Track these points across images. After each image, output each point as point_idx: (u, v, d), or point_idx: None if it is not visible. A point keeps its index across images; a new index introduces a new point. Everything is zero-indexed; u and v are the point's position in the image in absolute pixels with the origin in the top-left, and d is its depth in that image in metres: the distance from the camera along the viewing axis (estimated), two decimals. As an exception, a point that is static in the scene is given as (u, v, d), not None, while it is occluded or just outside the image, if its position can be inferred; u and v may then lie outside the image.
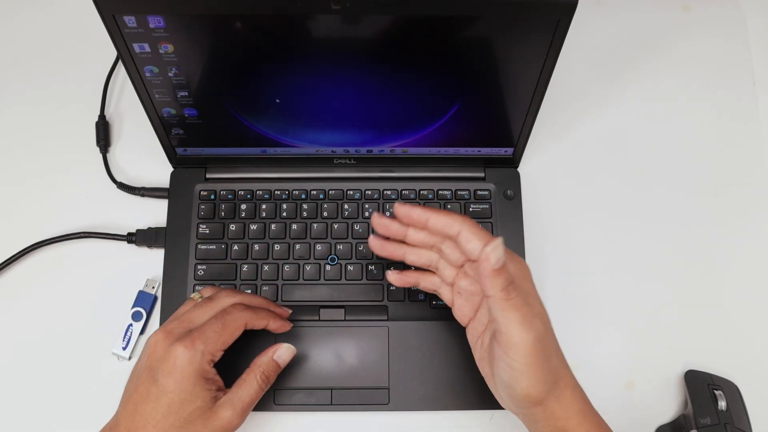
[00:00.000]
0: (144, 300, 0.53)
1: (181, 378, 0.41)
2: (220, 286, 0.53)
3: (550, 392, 0.39)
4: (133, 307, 0.53)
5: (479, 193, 0.56)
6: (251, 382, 0.44)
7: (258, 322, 0.46)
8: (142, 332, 0.53)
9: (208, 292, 0.48)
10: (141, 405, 0.41)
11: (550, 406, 0.40)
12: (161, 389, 0.41)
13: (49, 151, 0.59)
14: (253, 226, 0.55)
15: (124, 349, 0.52)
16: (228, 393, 0.44)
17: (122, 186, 0.57)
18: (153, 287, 0.54)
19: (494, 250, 0.37)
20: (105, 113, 0.60)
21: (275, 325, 0.48)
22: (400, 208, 0.43)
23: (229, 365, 0.45)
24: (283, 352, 0.47)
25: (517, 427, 0.45)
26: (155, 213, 0.57)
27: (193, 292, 0.53)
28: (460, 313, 0.45)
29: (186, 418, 0.41)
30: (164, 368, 0.41)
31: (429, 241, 0.44)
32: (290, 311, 0.51)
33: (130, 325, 0.53)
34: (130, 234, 0.55)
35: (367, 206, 0.56)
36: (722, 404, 0.49)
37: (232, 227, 0.55)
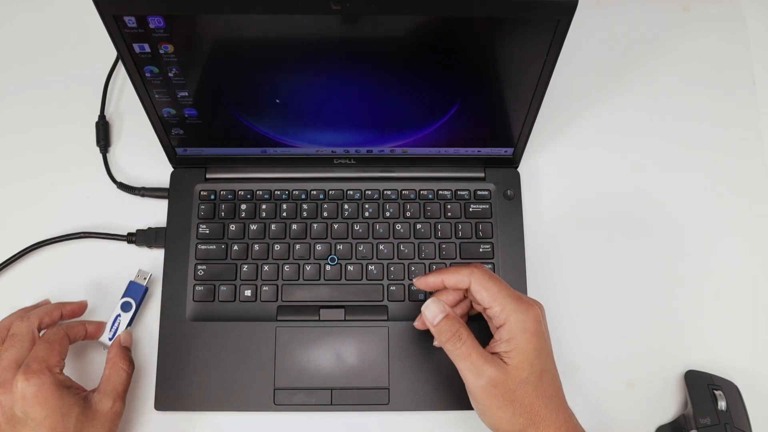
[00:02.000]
0: (134, 291, 0.52)
1: (44, 401, 0.42)
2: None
3: (522, 431, 0.41)
4: (123, 297, 0.52)
5: (479, 193, 0.56)
6: (116, 373, 0.47)
7: (76, 331, 0.48)
8: (129, 323, 0.52)
9: (9, 331, 0.46)
10: None
11: None
12: (33, 425, 0.42)
13: (49, 151, 0.59)
14: (253, 226, 0.55)
15: (110, 339, 0.51)
16: (99, 389, 0.46)
17: (122, 186, 0.57)
18: (144, 278, 0.53)
19: (425, 310, 0.44)
20: (105, 113, 0.60)
21: (92, 328, 0.49)
22: (418, 283, 0.47)
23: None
24: (125, 338, 0.50)
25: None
26: (155, 213, 0.57)
27: (193, 291, 0.53)
28: None
29: (74, 428, 0.42)
30: (21, 406, 0.42)
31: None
32: (85, 302, 0.51)
33: (119, 315, 0.52)
34: (130, 234, 0.55)
35: (367, 206, 0.56)
36: (722, 404, 0.49)
37: (232, 227, 0.55)
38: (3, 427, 0.43)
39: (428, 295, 0.53)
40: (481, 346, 0.43)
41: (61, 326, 0.47)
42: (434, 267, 0.54)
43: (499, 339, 0.42)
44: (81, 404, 0.44)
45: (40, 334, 0.47)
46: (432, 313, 0.44)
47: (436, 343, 0.47)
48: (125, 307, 0.52)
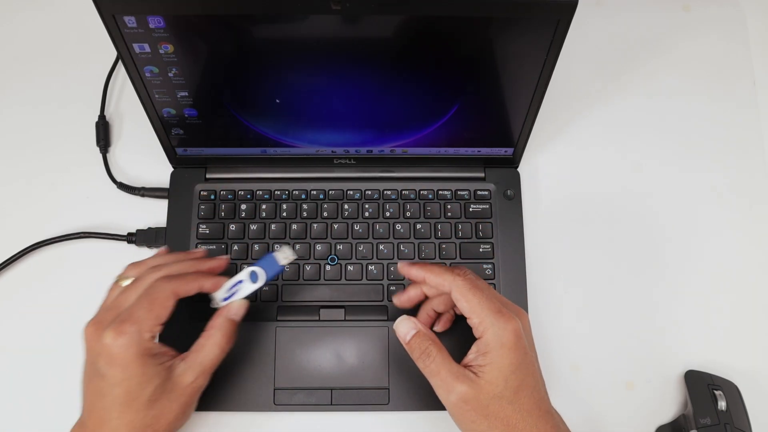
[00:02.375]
0: (269, 265, 0.46)
1: (125, 365, 0.40)
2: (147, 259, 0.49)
3: None
4: (256, 265, 0.46)
5: (479, 193, 0.56)
6: (211, 345, 0.43)
7: (188, 287, 0.44)
8: (248, 296, 0.46)
9: (130, 271, 0.45)
10: (97, 402, 0.41)
11: None
12: (110, 382, 0.40)
13: (49, 151, 0.59)
14: (253, 226, 0.55)
15: (223, 300, 0.46)
16: (186, 359, 0.43)
17: (122, 186, 0.57)
18: (286, 258, 0.46)
19: (397, 328, 0.44)
20: (105, 113, 0.60)
21: (209, 285, 0.45)
22: (402, 269, 0.46)
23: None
24: (237, 309, 0.45)
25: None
26: (155, 213, 0.57)
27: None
28: None
29: (149, 398, 0.40)
30: (104, 361, 0.40)
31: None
32: (226, 259, 0.48)
33: (241, 282, 0.45)
34: (130, 234, 0.55)
35: (367, 206, 0.56)
36: (722, 404, 0.49)
37: (232, 227, 0.55)
38: (88, 368, 0.42)
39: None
40: (455, 359, 0.42)
41: (170, 282, 0.43)
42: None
43: (477, 351, 0.42)
44: (162, 375, 0.41)
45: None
46: (403, 331, 0.44)
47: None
48: (253, 276, 0.46)
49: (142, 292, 0.43)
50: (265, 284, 0.46)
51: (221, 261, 0.48)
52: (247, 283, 0.46)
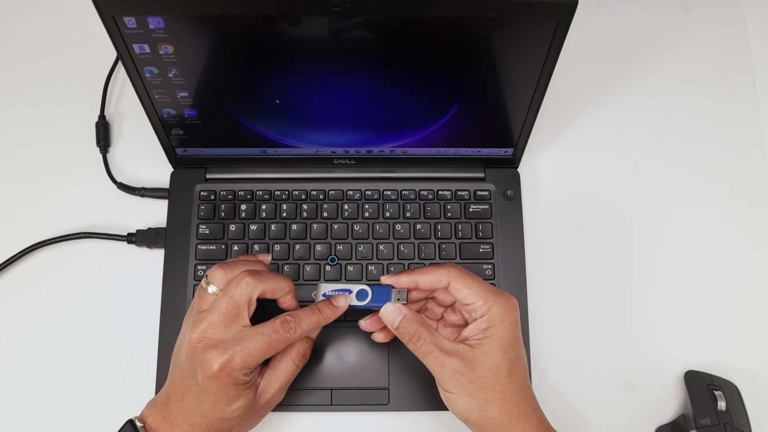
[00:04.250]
0: (381, 294, 0.45)
1: (221, 387, 0.41)
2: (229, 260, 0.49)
3: (494, 420, 0.41)
4: (368, 286, 0.45)
5: (479, 193, 0.56)
6: (287, 363, 0.45)
7: (312, 328, 0.44)
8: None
9: (218, 279, 0.44)
10: (187, 395, 0.42)
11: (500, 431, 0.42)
12: (202, 390, 0.41)
13: (49, 151, 0.59)
14: (253, 227, 0.55)
15: (324, 295, 0.45)
16: (265, 377, 0.44)
17: (122, 186, 0.57)
18: (399, 299, 0.44)
19: (383, 315, 0.44)
20: (105, 113, 0.60)
21: (325, 317, 0.45)
22: (385, 280, 0.45)
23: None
24: (313, 329, 0.45)
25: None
26: (155, 213, 0.57)
27: (193, 292, 0.53)
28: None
29: (233, 413, 0.42)
30: (203, 372, 0.41)
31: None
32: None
33: (348, 291, 0.45)
34: (130, 234, 0.55)
35: (366, 206, 0.56)
36: (722, 404, 0.49)
37: (232, 228, 0.55)
38: (186, 364, 0.42)
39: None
40: (445, 338, 0.43)
41: (297, 328, 0.43)
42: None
43: (476, 328, 0.42)
44: (249, 397, 0.43)
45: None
46: (390, 318, 0.44)
47: (375, 337, 0.47)
48: (361, 295, 0.45)
49: (266, 330, 0.42)
50: (361, 307, 0.45)
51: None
52: (351, 296, 0.45)
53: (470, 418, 0.42)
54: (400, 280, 0.45)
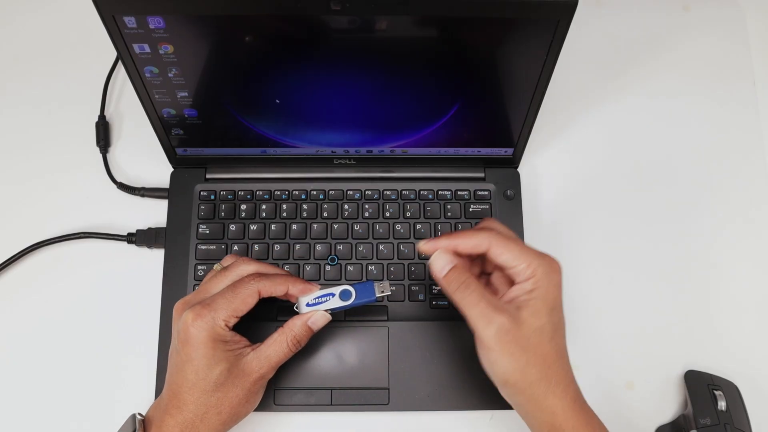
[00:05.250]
0: (364, 291, 0.46)
1: (198, 345, 0.42)
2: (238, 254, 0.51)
3: (534, 384, 0.41)
4: (352, 285, 0.46)
5: (479, 193, 0.56)
6: (281, 343, 0.45)
7: (275, 288, 0.45)
8: (332, 311, 0.46)
9: (228, 260, 0.48)
10: (175, 374, 0.43)
11: (537, 398, 0.41)
12: (184, 358, 0.43)
13: (49, 151, 0.59)
14: (253, 227, 0.55)
15: (307, 305, 0.46)
16: (256, 349, 0.45)
17: (122, 186, 0.57)
18: (383, 291, 0.46)
19: (433, 263, 0.43)
20: (105, 113, 0.60)
21: (296, 290, 0.46)
22: (426, 247, 0.44)
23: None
24: (317, 319, 0.46)
25: (517, 427, 0.45)
26: (155, 213, 0.57)
27: (193, 290, 0.53)
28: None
29: (215, 380, 0.43)
30: (180, 338, 0.43)
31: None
32: (318, 287, 0.47)
33: (331, 295, 0.45)
34: (130, 234, 0.55)
35: (366, 206, 0.56)
36: (722, 404, 0.49)
37: (232, 227, 0.55)
38: (173, 342, 0.45)
39: (427, 294, 0.53)
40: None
41: (258, 281, 0.44)
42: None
43: (521, 289, 0.42)
44: (230, 360, 0.43)
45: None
46: (440, 265, 0.43)
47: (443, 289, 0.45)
48: (344, 295, 0.46)
49: (230, 283, 0.45)
50: (350, 307, 0.46)
51: (312, 286, 0.47)
52: (336, 298, 0.46)
53: (510, 379, 0.41)
54: (439, 244, 0.44)
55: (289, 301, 0.52)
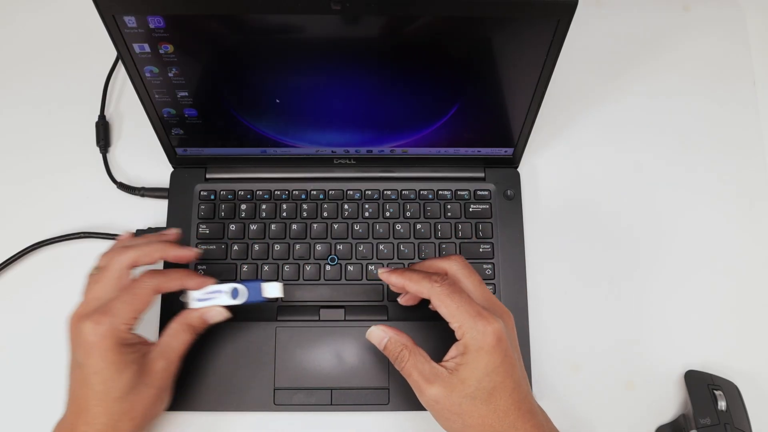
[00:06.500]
0: (254, 291, 0.47)
1: (103, 353, 0.42)
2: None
3: None
4: (243, 283, 0.47)
5: (479, 193, 0.56)
6: (180, 334, 0.46)
7: (171, 284, 0.45)
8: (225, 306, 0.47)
9: (102, 261, 0.46)
10: (78, 391, 0.43)
11: None
12: (88, 371, 0.42)
13: (49, 151, 0.59)
14: (253, 227, 0.55)
15: (198, 300, 0.46)
16: (159, 344, 0.45)
17: (122, 186, 0.57)
18: (276, 294, 0.47)
19: (370, 337, 0.45)
20: (105, 113, 0.60)
21: (192, 284, 0.46)
22: (383, 276, 0.46)
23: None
24: (214, 314, 0.47)
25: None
26: (155, 213, 0.57)
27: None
28: None
29: (126, 385, 0.42)
30: (82, 351, 0.42)
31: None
32: (196, 252, 0.48)
33: (220, 292, 0.46)
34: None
35: (367, 206, 0.56)
36: (722, 404, 0.49)
37: (232, 227, 0.55)
38: (71, 360, 0.44)
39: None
40: (431, 358, 0.43)
41: (153, 278, 0.44)
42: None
43: (456, 351, 0.42)
44: (139, 362, 0.43)
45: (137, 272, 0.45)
46: (376, 340, 0.45)
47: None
48: (234, 293, 0.46)
49: (127, 285, 0.44)
50: (240, 306, 0.47)
51: (192, 253, 0.48)
52: (225, 295, 0.46)
53: None
54: (390, 279, 0.46)
55: (290, 302, 0.52)
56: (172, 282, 0.45)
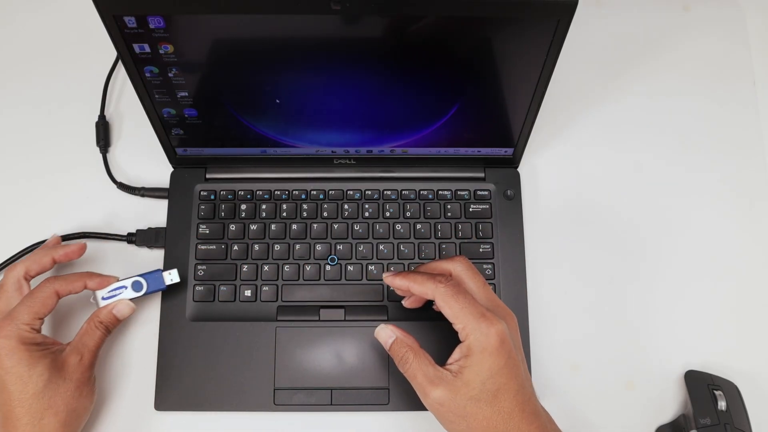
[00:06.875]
0: (154, 281, 0.50)
1: (11, 353, 0.43)
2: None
3: None
4: (141, 276, 0.50)
5: (479, 193, 0.56)
6: (93, 331, 0.48)
7: (71, 286, 0.48)
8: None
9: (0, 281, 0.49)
10: (0, 396, 0.44)
11: None
12: (3, 375, 0.43)
13: (49, 151, 0.59)
14: (253, 227, 0.55)
15: (103, 299, 0.49)
16: (71, 343, 0.47)
17: (122, 186, 0.57)
18: (171, 279, 0.51)
19: (377, 335, 0.46)
20: (105, 113, 0.60)
21: (93, 284, 0.49)
22: (387, 280, 0.47)
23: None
24: (121, 308, 0.49)
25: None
26: (155, 213, 0.57)
27: (193, 292, 0.53)
28: None
29: (39, 378, 0.44)
30: None
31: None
32: (82, 245, 0.51)
33: (124, 288, 0.49)
34: (130, 234, 0.55)
35: (367, 206, 0.56)
36: (722, 404, 0.49)
37: (232, 227, 0.55)
38: None
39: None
40: (434, 358, 0.43)
41: (53, 282, 0.47)
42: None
43: (460, 353, 0.42)
44: (49, 357, 0.45)
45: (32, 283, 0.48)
46: (383, 339, 0.45)
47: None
48: (136, 286, 0.50)
49: (29, 293, 0.47)
50: (144, 296, 0.50)
51: (77, 246, 0.51)
52: (129, 290, 0.50)
53: None
54: (395, 282, 0.46)
55: (290, 302, 0.52)
56: (73, 284, 0.48)
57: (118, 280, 0.50)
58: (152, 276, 0.50)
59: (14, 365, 0.43)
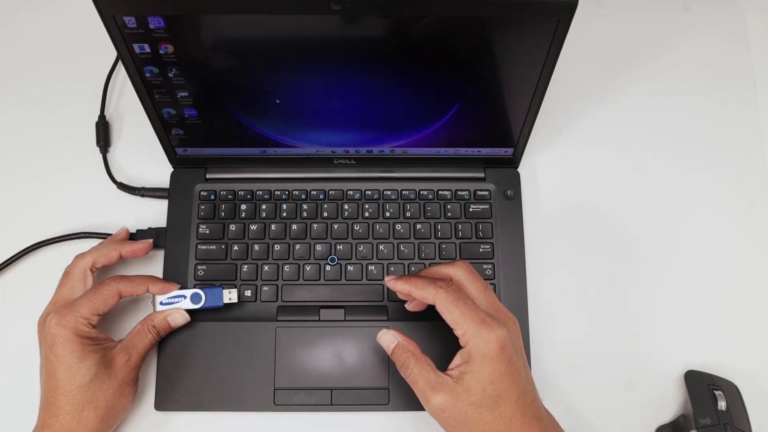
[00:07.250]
0: (213, 296, 0.51)
1: (65, 342, 0.44)
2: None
3: None
4: (203, 290, 0.51)
5: (479, 193, 0.56)
6: (144, 333, 0.48)
7: (135, 288, 0.49)
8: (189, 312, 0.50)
9: (67, 268, 0.50)
10: (46, 383, 0.45)
11: None
12: (54, 362, 0.44)
13: (49, 151, 0.59)
14: (253, 227, 0.55)
15: (162, 304, 0.50)
16: (120, 342, 0.48)
17: (122, 186, 0.57)
18: (230, 298, 0.51)
19: (380, 340, 0.46)
20: (105, 113, 0.60)
21: (156, 289, 0.50)
22: (389, 284, 0.47)
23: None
24: (176, 317, 0.50)
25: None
26: (155, 213, 0.57)
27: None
28: None
29: (87, 371, 0.45)
30: (47, 343, 0.45)
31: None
32: (149, 243, 0.52)
33: (183, 297, 0.50)
34: (130, 234, 0.55)
35: (367, 206, 0.56)
36: (722, 404, 0.49)
37: (232, 227, 0.55)
38: (41, 357, 0.47)
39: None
40: (437, 366, 0.43)
41: (118, 282, 0.48)
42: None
43: (461, 359, 0.42)
44: (99, 353, 0.46)
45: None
46: (385, 344, 0.46)
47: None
48: (195, 298, 0.50)
49: (81, 283, 0.49)
50: (199, 310, 0.50)
51: (144, 245, 0.52)
52: (187, 300, 0.50)
53: None
54: (396, 286, 0.46)
55: (290, 302, 0.52)
56: (137, 287, 0.49)
57: (179, 288, 0.51)
58: (212, 291, 0.51)
59: (66, 355, 0.44)
